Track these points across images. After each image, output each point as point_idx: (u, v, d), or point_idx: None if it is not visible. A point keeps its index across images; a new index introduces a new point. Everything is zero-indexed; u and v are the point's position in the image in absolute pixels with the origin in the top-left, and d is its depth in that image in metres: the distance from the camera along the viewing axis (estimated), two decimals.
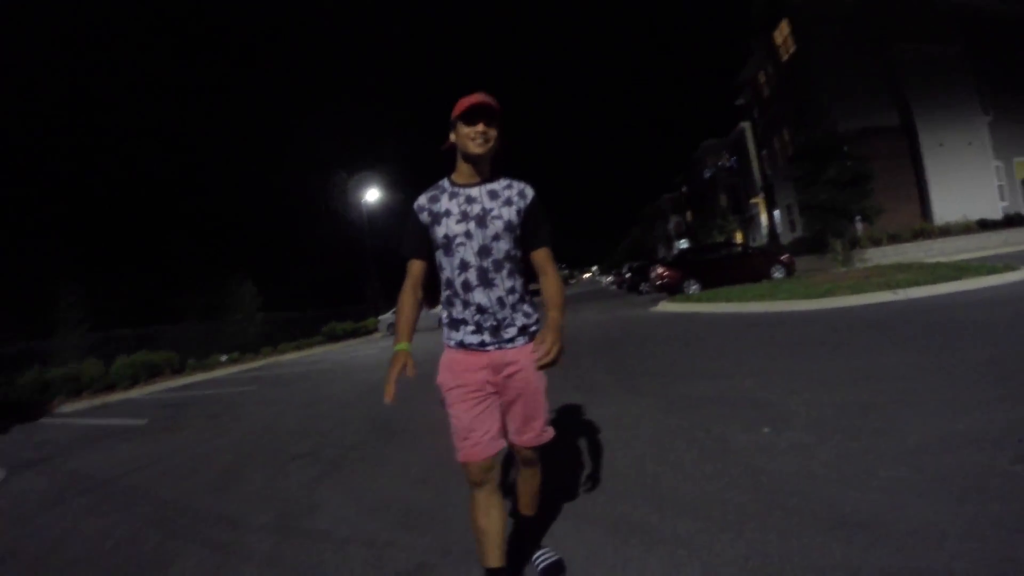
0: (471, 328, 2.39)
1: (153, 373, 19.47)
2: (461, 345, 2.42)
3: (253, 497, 4.67)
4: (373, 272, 40.80)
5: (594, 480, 3.78)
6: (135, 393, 16.75)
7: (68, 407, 15.29)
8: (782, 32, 30.12)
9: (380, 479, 4.62)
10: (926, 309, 9.22)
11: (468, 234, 2.35)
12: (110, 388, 17.73)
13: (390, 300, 37.11)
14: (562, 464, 4.25)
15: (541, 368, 2.16)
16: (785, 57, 30.50)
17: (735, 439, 4.20)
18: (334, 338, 30.61)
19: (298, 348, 27.33)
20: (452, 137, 2.43)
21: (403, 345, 2.32)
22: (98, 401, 15.89)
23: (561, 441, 4.59)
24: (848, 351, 6.87)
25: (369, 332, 33.28)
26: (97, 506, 5.18)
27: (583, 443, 4.70)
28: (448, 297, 2.45)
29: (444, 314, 2.49)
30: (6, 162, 30.42)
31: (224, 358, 23.39)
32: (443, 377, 2.43)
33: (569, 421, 5.42)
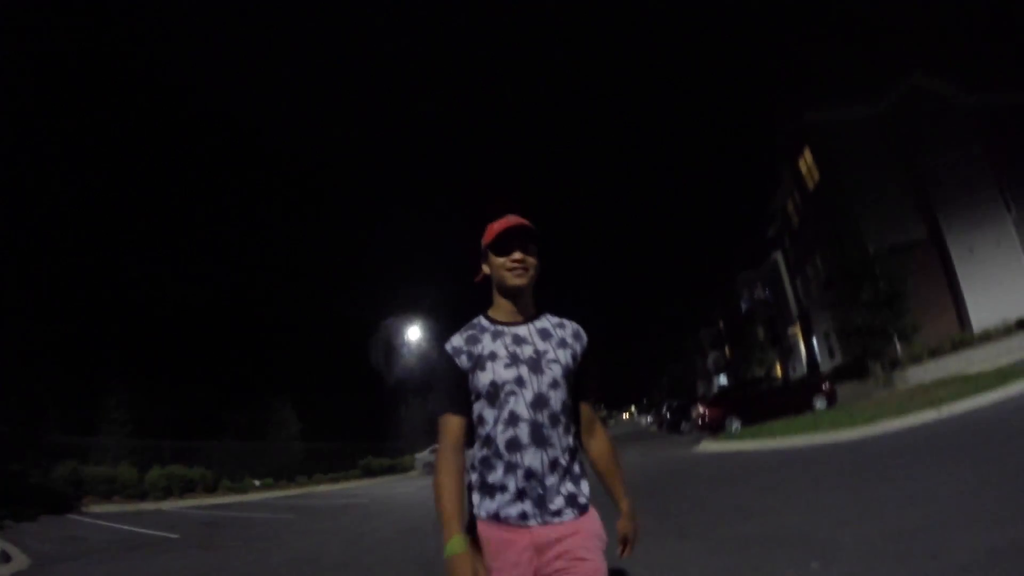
0: (509, 496, 1.82)
1: (186, 488, 19.44)
2: (496, 519, 1.83)
3: None
4: (412, 409, 41.09)
5: None
6: (166, 505, 16.82)
7: (98, 508, 15.26)
8: (806, 160, 30.95)
9: None
10: (970, 423, 9.18)
11: (520, 381, 1.87)
12: (142, 496, 17.69)
13: (428, 437, 37.01)
14: None
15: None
16: (811, 184, 31.17)
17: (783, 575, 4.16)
18: (371, 473, 30.41)
19: (334, 480, 27.15)
20: (485, 268, 2.06)
21: (458, 541, 1.70)
22: (130, 507, 15.91)
23: None
24: (893, 476, 6.81)
25: (406, 469, 33.02)
26: None
27: None
28: (485, 458, 1.89)
29: (474, 476, 1.93)
30: (77, 256, 31.81)
31: (258, 483, 23.24)
32: (491, 562, 1.80)
33: (613, 569, 5.35)
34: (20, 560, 7.31)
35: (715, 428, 20.65)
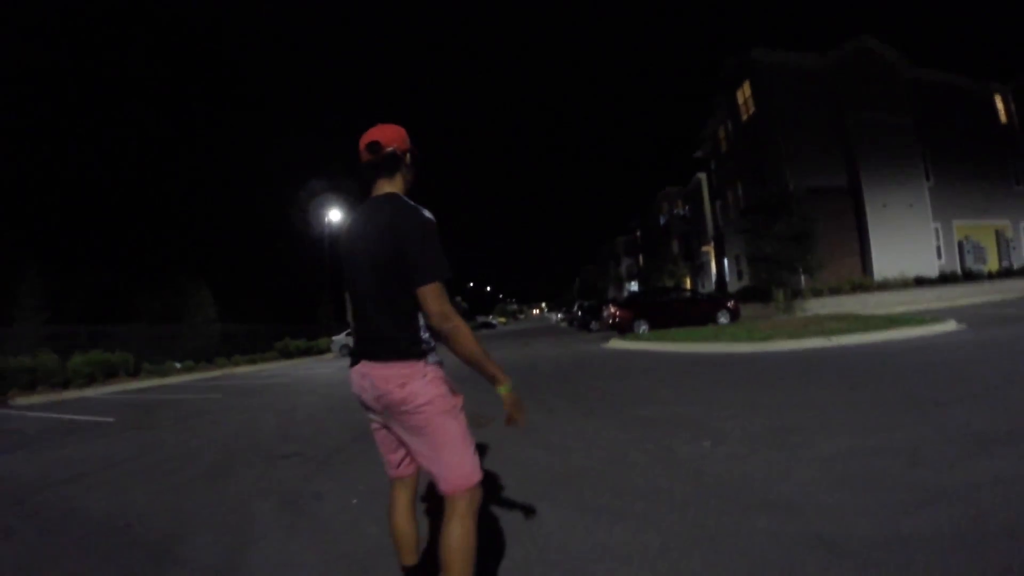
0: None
1: (109, 374, 19.30)
2: (440, 365, 2.35)
3: (251, 488, 5.01)
4: (329, 292, 40.82)
5: (562, 475, 4.54)
6: (91, 392, 16.64)
7: (23, 400, 15.14)
8: (744, 92, 31.68)
9: (373, 475, 5.00)
10: (854, 354, 10.26)
11: None
12: (65, 384, 17.56)
13: (342, 321, 37.17)
14: (535, 462, 5.01)
15: None
16: (745, 116, 32.03)
17: (680, 449, 4.99)
18: (287, 355, 30.59)
19: (252, 362, 27.26)
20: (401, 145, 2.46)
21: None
22: (55, 396, 15.81)
23: (533, 448, 5.39)
24: (780, 386, 7.82)
25: (322, 352, 33.25)
26: (89, 491, 5.33)
27: (551, 447, 5.45)
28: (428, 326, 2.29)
29: (427, 335, 2.30)
30: None
31: (179, 365, 23.19)
32: (455, 394, 2.35)
33: (537, 433, 6.13)
34: None
35: (624, 329, 21.93)
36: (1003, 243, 32.30)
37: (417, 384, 2.22)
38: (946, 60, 31.06)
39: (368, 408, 2.44)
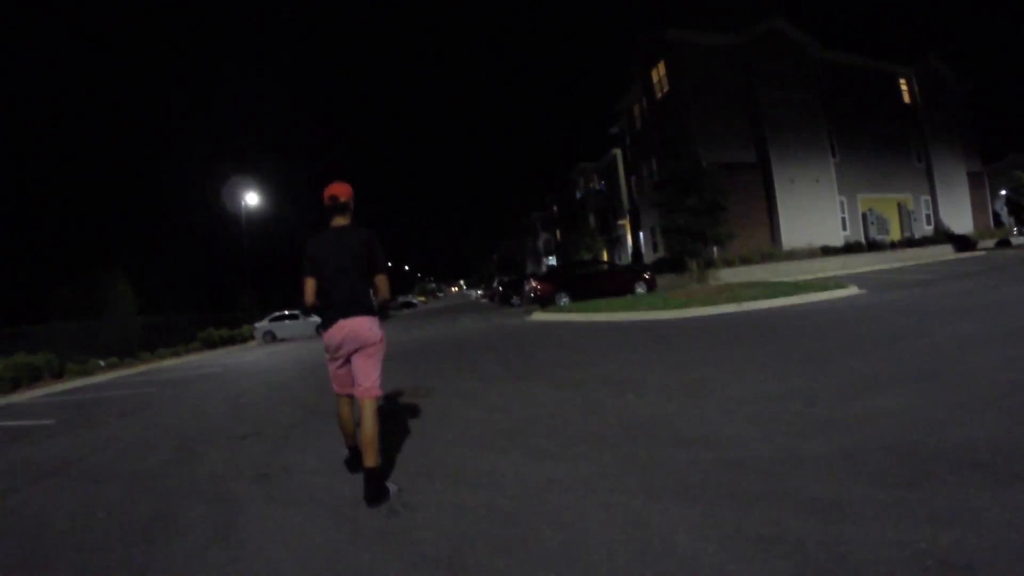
0: None
1: (34, 377, 18.44)
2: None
3: (222, 467, 5.21)
4: (249, 279, 40.02)
5: (506, 429, 5.21)
6: (16, 398, 15.80)
7: None
8: (659, 71, 32.57)
9: (334, 444, 5.34)
10: (761, 318, 11.31)
11: None
12: None
13: (264, 308, 36.70)
14: (480, 420, 5.66)
15: None
16: (659, 94, 32.94)
17: (608, 402, 5.73)
18: (211, 344, 29.91)
19: (177, 354, 26.56)
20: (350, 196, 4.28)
21: None
22: None
23: (475, 409, 6.05)
24: (693, 347, 8.72)
25: (245, 339, 32.66)
26: (61, 488, 5.23)
27: (492, 408, 6.11)
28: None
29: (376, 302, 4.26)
30: None
31: (103, 363, 22.35)
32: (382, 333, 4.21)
33: (477, 397, 6.81)
34: None
35: (545, 301, 22.57)
36: (905, 215, 34.79)
37: (376, 328, 4.12)
38: (854, 43, 32.80)
39: (338, 351, 4.13)
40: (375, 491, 3.77)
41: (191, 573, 3.11)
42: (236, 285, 41.67)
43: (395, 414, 6.51)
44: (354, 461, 4.44)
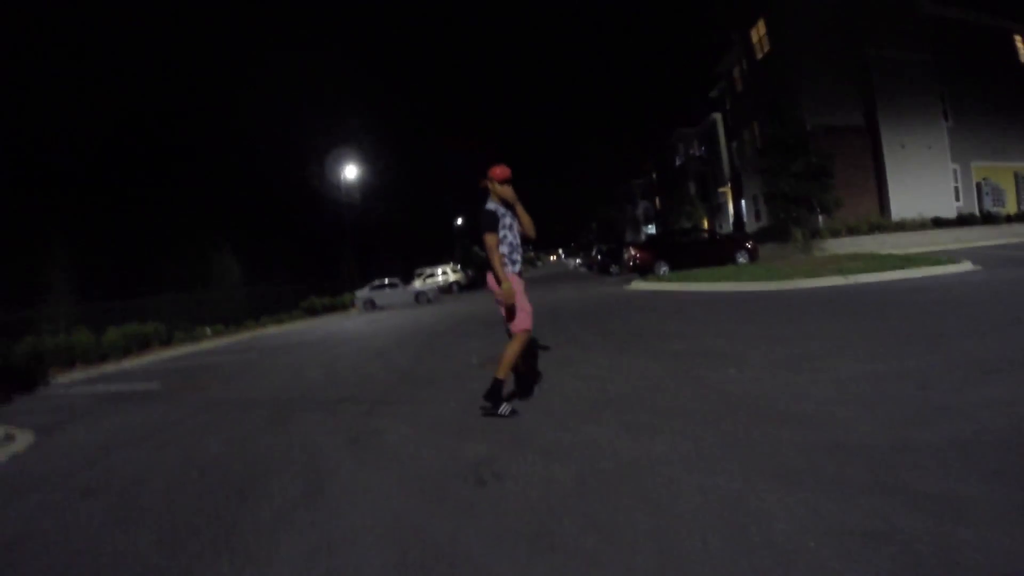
0: (518, 268, 5.13)
1: (143, 344, 19.44)
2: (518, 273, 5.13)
3: (315, 430, 5.39)
4: (349, 249, 40.98)
5: (602, 400, 5.10)
6: (128, 364, 16.68)
7: (64, 378, 14.98)
8: (759, 31, 31.15)
9: (426, 411, 5.56)
10: (870, 292, 10.62)
11: (511, 227, 5.14)
12: (103, 359, 17.52)
13: (364, 277, 37.50)
14: (576, 391, 5.54)
15: None
16: (760, 55, 31.53)
17: (708, 376, 5.49)
18: (313, 312, 30.83)
19: (279, 322, 27.52)
20: (490, 184, 5.09)
21: (506, 284, 4.90)
22: (94, 372, 15.69)
23: (573, 379, 5.92)
24: (799, 320, 8.28)
25: (345, 308, 33.51)
26: (158, 451, 5.42)
27: (588, 378, 5.96)
28: (506, 253, 5.05)
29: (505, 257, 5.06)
30: None
31: (209, 331, 23.47)
32: (516, 285, 4.98)
33: (573, 367, 6.66)
34: (25, 436, 6.92)
35: (644, 271, 22.21)
36: (1022, 185, 32.01)
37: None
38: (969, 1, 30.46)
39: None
40: (489, 395, 4.93)
41: (276, 533, 3.18)
42: (337, 255, 42.69)
43: (482, 381, 6.50)
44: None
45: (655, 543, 2.56)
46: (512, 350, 4.92)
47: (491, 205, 5.03)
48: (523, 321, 4.96)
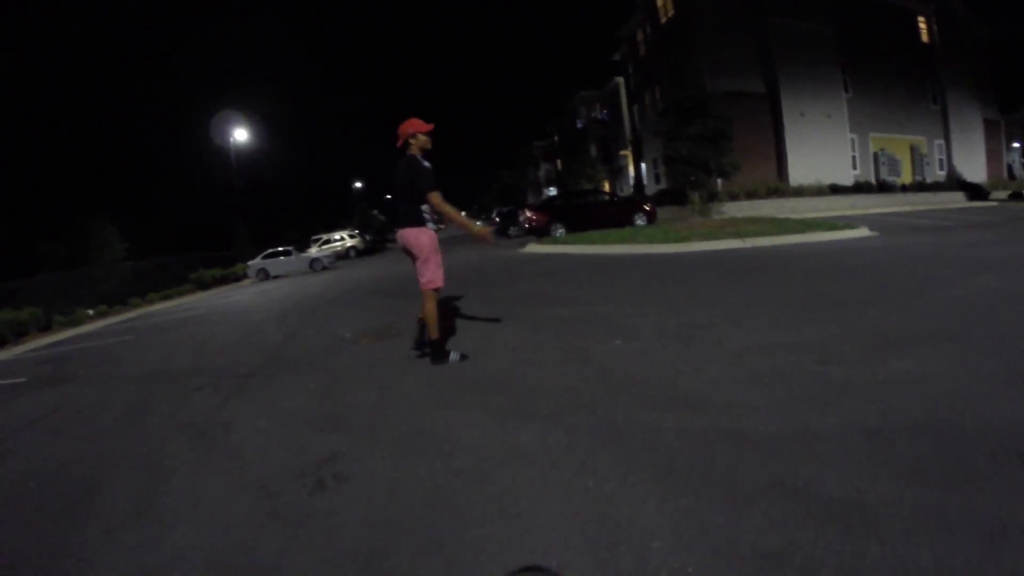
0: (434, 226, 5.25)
1: (20, 332, 17.96)
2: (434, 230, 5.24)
3: (165, 425, 4.91)
4: (241, 217, 39.18)
5: (472, 379, 4.63)
6: (3, 355, 15.30)
7: None
8: None
9: (283, 397, 5.05)
10: (768, 256, 10.55)
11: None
12: None
13: (259, 246, 36.10)
14: (444, 369, 5.08)
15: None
16: (664, 19, 31.59)
17: (592, 349, 5.06)
18: (204, 285, 29.29)
19: (167, 297, 25.88)
20: (412, 139, 5.15)
21: (478, 226, 5.56)
22: None
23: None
24: (693, 285, 7.99)
25: (238, 279, 32.04)
26: (6, 454, 4.96)
27: (460, 352, 5.43)
28: (430, 211, 5.18)
29: (428, 215, 5.18)
30: None
31: (91, 312, 21.73)
32: (433, 241, 5.17)
33: (451, 342, 6.08)
34: None
35: (541, 233, 22.02)
36: (917, 158, 33.61)
37: (423, 236, 5.12)
38: None
39: (406, 251, 5.27)
40: (435, 355, 5.17)
41: (99, 556, 2.80)
42: (229, 224, 40.89)
43: (351, 358, 6.26)
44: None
45: (503, 566, 2.10)
46: (429, 309, 5.11)
47: (425, 162, 5.11)
48: (438, 278, 5.19)
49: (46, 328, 19.19)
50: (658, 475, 2.63)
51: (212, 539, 2.76)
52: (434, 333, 5.12)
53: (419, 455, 3.28)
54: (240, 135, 36.28)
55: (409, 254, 5.26)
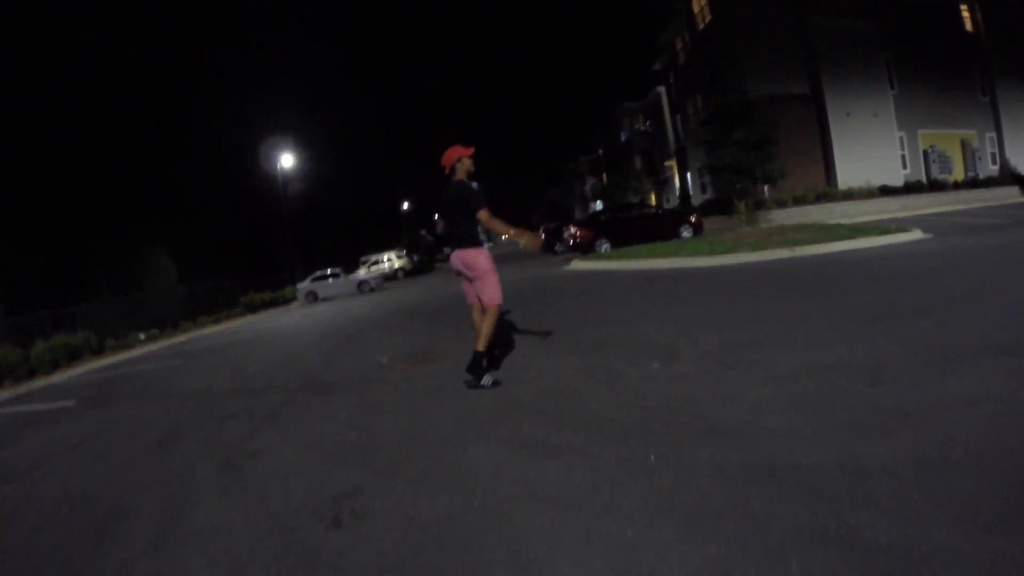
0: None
1: (73, 356, 18.43)
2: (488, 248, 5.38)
3: (196, 452, 4.90)
4: (289, 240, 39.77)
5: (502, 408, 4.48)
6: (58, 378, 15.90)
7: None
8: (699, 1, 30.82)
9: (313, 425, 5.01)
10: (817, 265, 10.14)
11: None
12: (31, 375, 16.60)
13: (307, 268, 36.53)
14: (474, 396, 4.95)
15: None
16: (702, 25, 31.14)
17: (627, 373, 4.84)
18: (253, 309, 29.87)
19: (218, 321, 26.41)
20: (458, 163, 5.35)
21: (527, 237, 5.36)
22: (22, 389, 14.91)
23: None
24: (739, 300, 7.67)
25: (288, 301, 32.52)
26: (41, 482, 4.98)
27: (495, 383, 5.25)
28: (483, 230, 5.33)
29: (482, 235, 5.37)
30: None
31: (143, 336, 22.25)
32: (489, 259, 5.28)
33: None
34: None
35: (586, 248, 21.76)
36: (969, 153, 32.14)
37: (480, 256, 5.24)
38: None
39: (460, 273, 5.45)
40: (472, 365, 5.17)
41: None
42: (278, 247, 41.58)
43: (385, 384, 6.17)
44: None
45: None
46: (488, 324, 5.15)
47: (473, 183, 5.30)
48: (497, 295, 5.24)
49: (99, 351, 19.58)
50: (687, 518, 2.42)
51: (224, 573, 2.73)
52: (481, 345, 5.13)
53: (439, 492, 3.14)
54: (287, 161, 36.92)
55: (463, 275, 5.40)
